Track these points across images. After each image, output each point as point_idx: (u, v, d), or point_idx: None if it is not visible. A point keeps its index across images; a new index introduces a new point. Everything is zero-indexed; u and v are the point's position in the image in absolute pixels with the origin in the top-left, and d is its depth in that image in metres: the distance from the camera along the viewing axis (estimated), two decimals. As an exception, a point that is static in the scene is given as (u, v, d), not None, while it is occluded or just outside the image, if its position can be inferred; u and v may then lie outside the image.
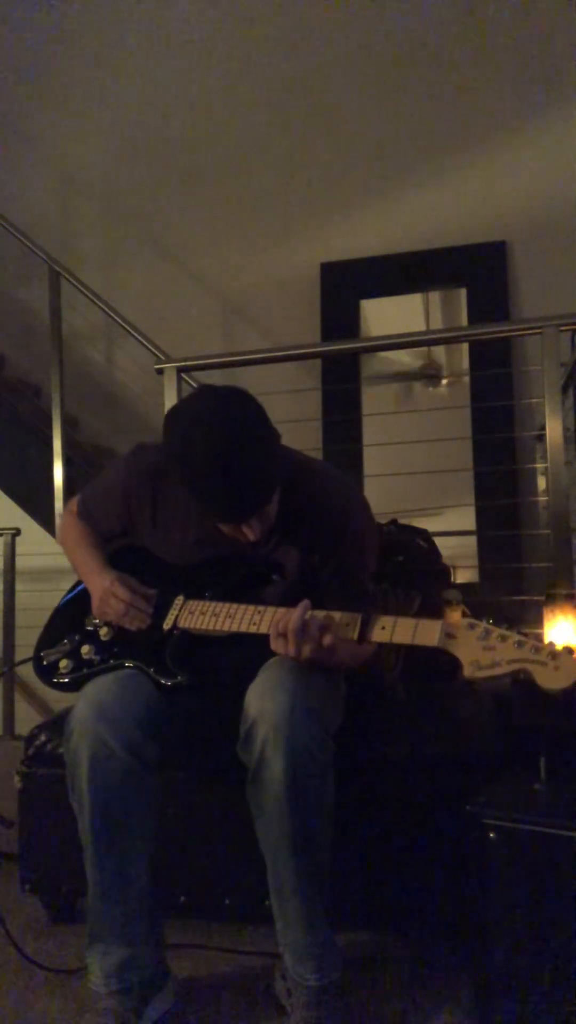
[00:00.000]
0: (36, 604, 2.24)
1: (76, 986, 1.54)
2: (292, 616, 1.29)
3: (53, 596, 1.72)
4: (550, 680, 1.08)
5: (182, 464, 1.31)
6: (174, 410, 1.37)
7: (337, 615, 1.30)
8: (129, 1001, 1.37)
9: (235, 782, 1.37)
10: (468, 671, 1.12)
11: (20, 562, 3.11)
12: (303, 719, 1.29)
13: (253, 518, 1.35)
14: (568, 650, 1.08)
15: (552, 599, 1.75)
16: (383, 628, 1.23)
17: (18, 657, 2.89)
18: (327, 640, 1.29)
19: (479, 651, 1.13)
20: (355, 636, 1.24)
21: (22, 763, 1.81)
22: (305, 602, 1.31)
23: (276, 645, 1.32)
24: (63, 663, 1.55)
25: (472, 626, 1.15)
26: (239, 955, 1.64)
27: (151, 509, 1.56)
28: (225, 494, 1.30)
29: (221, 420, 1.29)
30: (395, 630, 1.22)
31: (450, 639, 1.16)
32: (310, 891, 1.32)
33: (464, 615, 1.17)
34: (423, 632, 1.19)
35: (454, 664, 1.15)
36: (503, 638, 1.12)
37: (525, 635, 1.11)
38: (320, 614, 1.30)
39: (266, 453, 1.31)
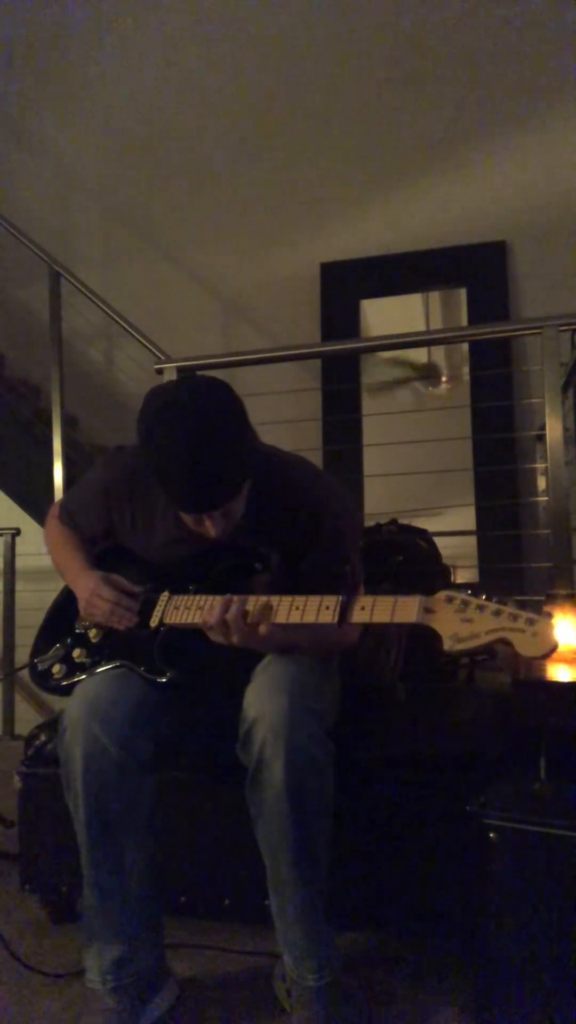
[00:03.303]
0: (36, 604, 2.24)
1: (76, 987, 1.54)
2: (213, 612, 1.31)
3: (53, 596, 1.72)
4: (529, 647, 1.07)
5: (148, 448, 1.31)
6: (152, 391, 1.37)
7: (283, 599, 1.30)
8: (128, 1000, 1.37)
9: (234, 782, 1.37)
10: (448, 644, 1.12)
11: (20, 562, 3.12)
12: (302, 720, 1.29)
13: (216, 512, 1.35)
14: (547, 614, 1.09)
15: (552, 599, 1.75)
16: (363, 608, 1.23)
17: (19, 655, 2.90)
18: (263, 630, 1.29)
19: (457, 623, 1.13)
20: (335, 619, 1.24)
21: (22, 763, 1.81)
22: (227, 597, 1.32)
23: (211, 635, 1.33)
24: (56, 668, 1.55)
25: (450, 599, 1.15)
26: (239, 955, 1.64)
27: (130, 509, 1.57)
28: (186, 483, 1.30)
29: (190, 408, 1.28)
30: (375, 609, 1.22)
31: (429, 614, 1.16)
32: (310, 891, 1.32)
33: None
34: (402, 609, 1.19)
35: (449, 660, 1.15)
36: (481, 608, 1.12)
37: (503, 604, 1.11)
38: (253, 604, 1.30)
39: (232, 446, 1.30)
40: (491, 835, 1.31)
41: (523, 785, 1.43)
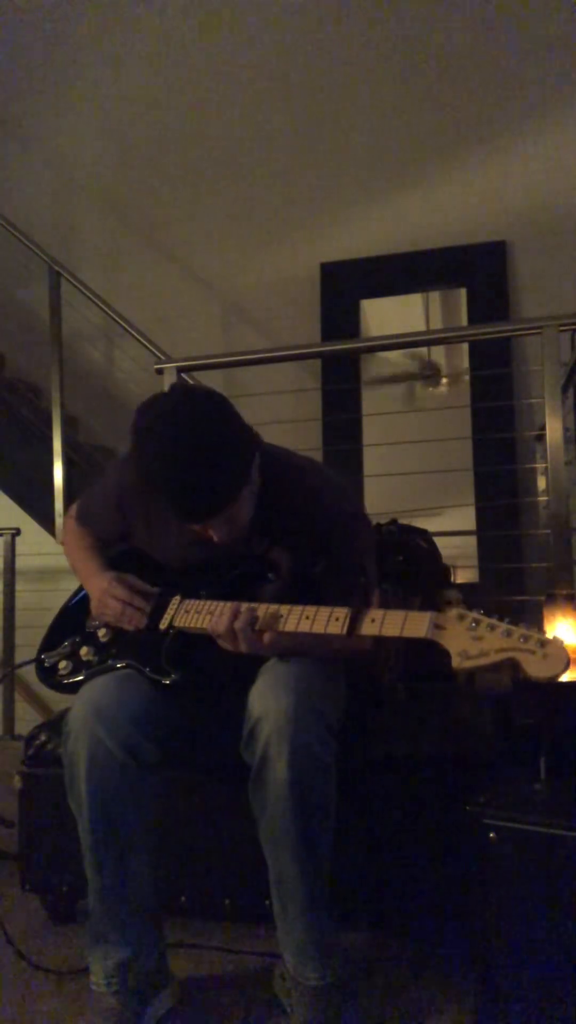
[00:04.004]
0: (36, 604, 2.24)
1: (77, 987, 1.54)
2: (222, 620, 1.31)
3: (53, 596, 1.73)
4: (539, 669, 1.07)
5: (140, 462, 1.32)
6: (138, 408, 1.37)
7: (293, 608, 1.30)
8: (130, 1001, 1.37)
9: (235, 782, 1.37)
10: (456, 661, 1.12)
11: (20, 562, 3.12)
12: (306, 719, 1.29)
13: (217, 520, 1.35)
14: (557, 638, 1.09)
15: (552, 599, 1.75)
16: (372, 621, 1.23)
17: (18, 656, 2.90)
18: (269, 638, 1.30)
19: (467, 641, 1.12)
20: (344, 631, 1.24)
21: (22, 763, 1.82)
22: (236, 605, 1.32)
23: (220, 643, 1.34)
24: (62, 665, 1.56)
25: (461, 616, 1.14)
26: (239, 955, 1.64)
27: (145, 512, 1.57)
28: (178, 494, 1.30)
29: (176, 420, 1.29)
30: (384, 623, 1.22)
31: (439, 630, 1.15)
32: (311, 891, 1.32)
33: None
34: (412, 624, 1.18)
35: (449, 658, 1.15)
36: (491, 627, 1.12)
37: (514, 624, 1.11)
38: (262, 612, 1.31)
39: (222, 455, 1.30)
40: (491, 835, 1.31)
41: (523, 785, 1.43)
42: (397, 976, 1.56)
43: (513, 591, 2.92)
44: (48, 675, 1.57)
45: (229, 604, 1.34)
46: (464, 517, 3.32)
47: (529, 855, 1.28)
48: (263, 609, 1.32)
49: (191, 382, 1.37)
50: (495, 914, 1.31)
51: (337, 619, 1.26)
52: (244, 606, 1.32)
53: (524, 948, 1.28)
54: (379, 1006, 1.46)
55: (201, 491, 1.30)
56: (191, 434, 1.28)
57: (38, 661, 1.60)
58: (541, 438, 2.61)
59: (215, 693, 1.49)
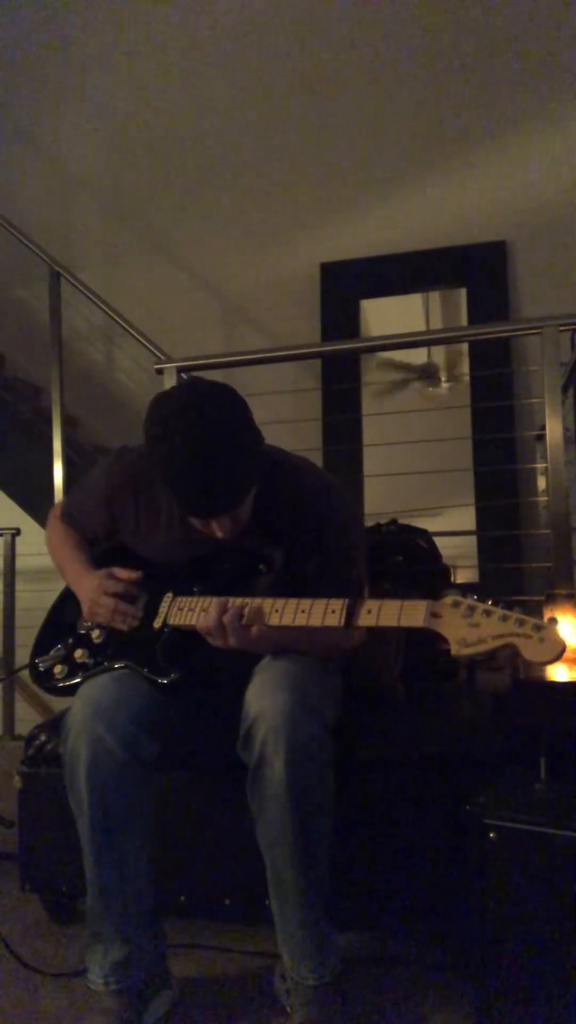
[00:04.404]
0: (36, 604, 2.24)
1: (76, 987, 1.54)
2: (210, 616, 1.32)
3: (53, 596, 1.72)
4: (536, 653, 1.08)
5: (158, 452, 1.32)
6: (158, 397, 1.37)
7: (289, 601, 1.30)
8: (130, 1001, 1.37)
9: (235, 782, 1.37)
10: (455, 649, 1.13)
11: (20, 562, 3.11)
12: (303, 718, 1.29)
13: (228, 515, 1.35)
14: (552, 620, 1.09)
15: (552, 599, 1.75)
16: (369, 612, 1.23)
17: (18, 655, 2.90)
18: (255, 631, 1.31)
19: (465, 628, 1.13)
20: (341, 622, 1.24)
21: (22, 763, 1.81)
22: (222, 600, 1.33)
23: (210, 640, 1.34)
24: (58, 669, 1.55)
25: (456, 604, 1.15)
26: (239, 955, 1.64)
27: (134, 511, 1.57)
28: (196, 489, 1.31)
29: (201, 413, 1.29)
30: (381, 613, 1.22)
31: (436, 619, 1.16)
32: (309, 890, 1.32)
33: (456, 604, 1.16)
34: (409, 613, 1.19)
35: (449, 660, 1.15)
36: (487, 614, 1.13)
37: (509, 609, 1.12)
38: (249, 607, 1.31)
39: (242, 452, 1.31)
40: (491, 835, 1.31)
41: (523, 785, 1.43)
42: (397, 976, 1.56)
43: (513, 591, 2.92)
44: (44, 679, 1.57)
45: (218, 599, 1.34)
46: (464, 517, 3.32)
47: (529, 855, 1.28)
48: (255, 602, 1.31)
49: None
50: (495, 914, 1.31)
51: (334, 611, 1.25)
52: (232, 600, 1.32)
53: (524, 948, 1.28)
54: (379, 1006, 1.46)
55: (220, 487, 1.31)
56: (213, 428, 1.28)
57: (32, 666, 1.59)
58: (541, 438, 2.61)
59: (214, 692, 1.48)
